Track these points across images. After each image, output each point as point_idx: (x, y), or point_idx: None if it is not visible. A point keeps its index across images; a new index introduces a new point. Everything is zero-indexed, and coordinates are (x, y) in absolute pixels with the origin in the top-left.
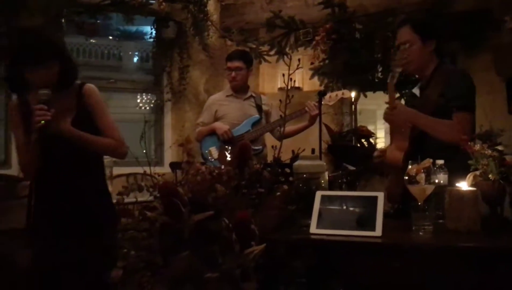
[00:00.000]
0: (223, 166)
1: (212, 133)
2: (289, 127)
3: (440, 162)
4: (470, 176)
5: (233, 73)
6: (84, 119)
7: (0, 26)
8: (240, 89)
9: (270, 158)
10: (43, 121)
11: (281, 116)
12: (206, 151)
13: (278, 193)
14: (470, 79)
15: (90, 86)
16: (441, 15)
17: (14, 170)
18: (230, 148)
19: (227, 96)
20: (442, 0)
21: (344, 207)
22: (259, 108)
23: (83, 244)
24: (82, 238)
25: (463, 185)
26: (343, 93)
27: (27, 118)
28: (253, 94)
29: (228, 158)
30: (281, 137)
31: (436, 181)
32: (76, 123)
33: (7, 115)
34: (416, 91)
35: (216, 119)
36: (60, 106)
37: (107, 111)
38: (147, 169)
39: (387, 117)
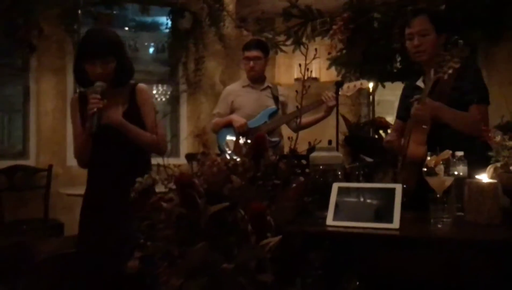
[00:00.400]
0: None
1: (229, 125)
2: (305, 118)
3: (459, 153)
4: (490, 168)
5: (251, 63)
6: (134, 114)
7: (17, 18)
8: (257, 79)
9: (287, 150)
10: (95, 109)
11: (297, 107)
12: (223, 143)
13: (294, 185)
14: (481, 73)
15: (143, 86)
16: (462, 4)
17: (32, 160)
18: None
19: (243, 86)
20: None
21: (361, 199)
22: (275, 99)
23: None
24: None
25: (483, 177)
26: (361, 84)
27: (84, 109)
28: (270, 85)
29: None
30: (297, 129)
31: (456, 173)
32: (126, 116)
33: (24, 106)
34: (420, 83)
35: (232, 110)
36: (115, 101)
37: (153, 109)
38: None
39: (418, 113)
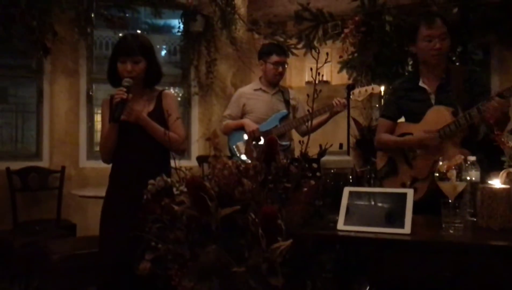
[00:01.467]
0: (249, 160)
1: (240, 128)
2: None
3: (472, 158)
4: (503, 173)
5: (281, 68)
6: (158, 115)
7: (32, 21)
8: (276, 84)
9: (297, 153)
10: (119, 99)
11: (308, 111)
12: (234, 146)
13: (305, 189)
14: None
15: (169, 92)
16: (476, 7)
17: (45, 162)
18: (257, 143)
19: (255, 89)
20: None
21: (373, 204)
22: (287, 102)
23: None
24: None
25: (496, 183)
26: (372, 89)
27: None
28: (281, 88)
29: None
30: (309, 132)
31: (468, 178)
32: (151, 115)
33: (38, 107)
34: (422, 84)
35: (244, 112)
36: (143, 102)
37: (178, 113)
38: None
39: (499, 108)
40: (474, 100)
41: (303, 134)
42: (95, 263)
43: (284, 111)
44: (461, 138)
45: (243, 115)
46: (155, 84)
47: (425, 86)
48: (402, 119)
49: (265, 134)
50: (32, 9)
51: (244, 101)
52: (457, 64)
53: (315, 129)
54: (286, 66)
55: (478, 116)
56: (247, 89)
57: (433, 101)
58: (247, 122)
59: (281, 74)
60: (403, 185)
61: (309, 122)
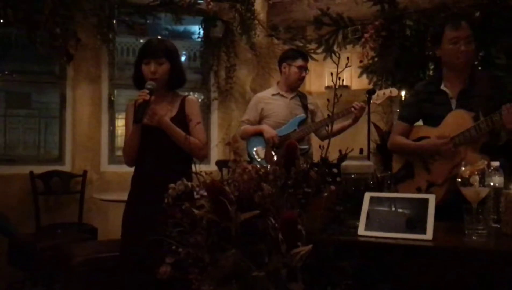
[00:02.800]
0: (269, 165)
1: (259, 133)
2: (333, 126)
3: (495, 163)
4: None
5: (304, 72)
6: (181, 120)
7: (55, 28)
8: (295, 88)
9: (316, 158)
10: (141, 100)
11: (328, 115)
12: (253, 151)
13: (326, 194)
14: None
15: (192, 97)
16: (499, 10)
17: (67, 166)
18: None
19: (273, 94)
20: None
21: (394, 209)
22: (304, 107)
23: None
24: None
25: None
26: (390, 92)
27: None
28: (299, 93)
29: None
30: (329, 136)
31: (491, 183)
32: (174, 120)
33: (61, 113)
34: (444, 88)
35: (262, 117)
36: (166, 106)
37: (200, 119)
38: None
39: None
40: (497, 108)
41: (323, 138)
42: (116, 266)
43: (302, 115)
44: (481, 143)
45: (261, 119)
46: (178, 88)
47: (447, 90)
48: (420, 123)
49: (284, 138)
50: (55, 16)
51: (262, 105)
52: (479, 68)
53: (336, 134)
54: (306, 71)
55: (500, 121)
56: (265, 94)
57: (453, 106)
58: (266, 128)
59: (303, 79)
60: (419, 190)
61: (329, 127)
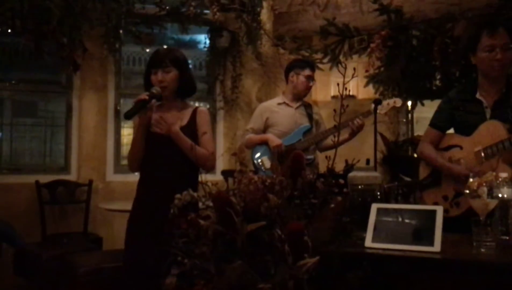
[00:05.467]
0: (275, 175)
1: (264, 142)
2: (331, 139)
3: (503, 175)
4: None
5: (311, 82)
6: (190, 130)
7: (62, 38)
8: (302, 97)
9: (322, 168)
10: (141, 97)
11: (335, 126)
12: (259, 161)
13: (332, 205)
14: None
15: (203, 109)
16: (506, 20)
17: (73, 175)
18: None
19: (278, 103)
20: (508, 3)
21: (401, 221)
22: (310, 117)
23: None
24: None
25: None
26: (394, 102)
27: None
28: (304, 103)
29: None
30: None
31: (500, 195)
32: (184, 130)
33: (67, 122)
34: (479, 97)
35: (267, 126)
36: (176, 115)
37: (209, 130)
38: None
39: None
40: None
41: (321, 150)
42: (121, 276)
43: (307, 125)
44: None
45: (266, 128)
46: (188, 96)
47: (482, 99)
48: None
49: (289, 148)
50: (63, 26)
51: (267, 115)
52: None
53: (333, 147)
54: (314, 81)
55: None
56: (270, 103)
57: (488, 115)
58: (271, 137)
59: (310, 89)
60: (445, 198)
61: (336, 137)
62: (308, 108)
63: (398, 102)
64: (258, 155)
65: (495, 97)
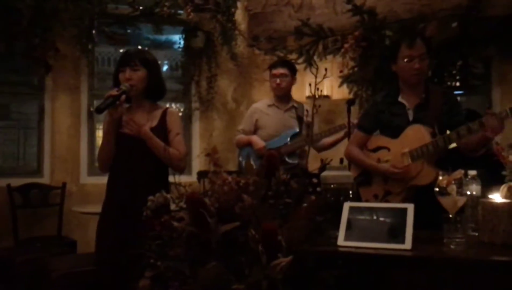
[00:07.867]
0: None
1: (250, 144)
2: (325, 139)
3: (472, 172)
4: (504, 188)
5: (278, 80)
6: (160, 131)
7: (34, 38)
8: (283, 98)
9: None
10: (110, 93)
11: (308, 125)
12: (244, 161)
13: (306, 204)
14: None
15: (173, 110)
16: (476, 20)
17: (46, 178)
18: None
19: (269, 105)
20: (477, 5)
21: (373, 219)
22: (300, 119)
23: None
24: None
25: (497, 197)
26: None
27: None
28: (295, 105)
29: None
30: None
31: (469, 192)
32: (154, 131)
33: (39, 124)
34: (402, 100)
35: (256, 128)
36: (146, 117)
37: (180, 130)
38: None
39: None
40: (450, 122)
41: (318, 150)
42: (95, 279)
43: (295, 129)
44: (436, 158)
45: (255, 130)
46: (157, 99)
47: (404, 102)
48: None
49: (275, 151)
50: (34, 26)
51: (257, 116)
52: (435, 85)
53: (329, 147)
54: (286, 78)
55: (455, 139)
56: (260, 104)
57: (410, 117)
58: (255, 139)
59: (279, 86)
60: (376, 197)
61: (319, 138)
62: (299, 110)
63: None
64: (244, 155)
65: (416, 101)
